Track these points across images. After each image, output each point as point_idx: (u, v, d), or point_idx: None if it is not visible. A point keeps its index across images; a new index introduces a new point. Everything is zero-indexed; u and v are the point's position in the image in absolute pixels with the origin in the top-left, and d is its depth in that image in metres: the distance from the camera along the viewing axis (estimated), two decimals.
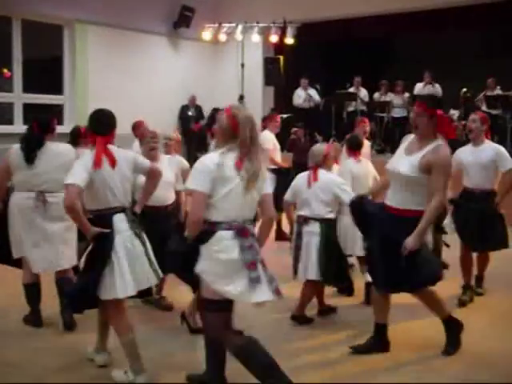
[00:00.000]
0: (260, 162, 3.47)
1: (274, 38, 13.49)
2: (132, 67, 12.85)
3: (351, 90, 13.73)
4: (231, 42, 13.80)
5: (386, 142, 13.04)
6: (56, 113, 11.90)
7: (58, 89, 12.06)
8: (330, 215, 5.17)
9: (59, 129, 5.30)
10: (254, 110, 14.49)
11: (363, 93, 13.72)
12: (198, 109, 14.08)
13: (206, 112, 14.12)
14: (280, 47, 13.90)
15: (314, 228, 5.10)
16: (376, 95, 13.65)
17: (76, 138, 6.19)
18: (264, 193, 3.56)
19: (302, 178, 5.35)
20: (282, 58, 13.88)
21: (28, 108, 11.44)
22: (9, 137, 10.47)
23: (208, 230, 3.43)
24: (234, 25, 13.53)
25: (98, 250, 3.89)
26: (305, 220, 5.16)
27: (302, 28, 13.41)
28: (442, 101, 4.93)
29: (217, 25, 13.70)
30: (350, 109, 13.72)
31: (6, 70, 11.57)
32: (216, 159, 3.39)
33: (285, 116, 13.59)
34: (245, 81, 13.64)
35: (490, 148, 5.70)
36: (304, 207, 5.22)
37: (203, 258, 3.44)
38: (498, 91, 12.06)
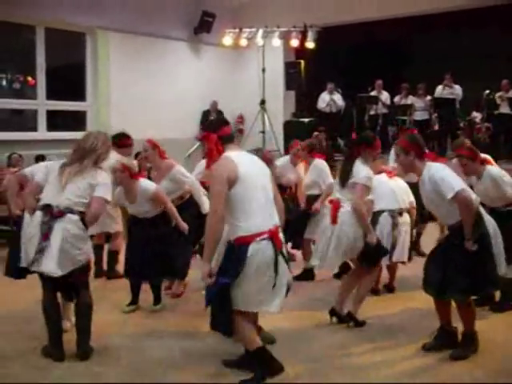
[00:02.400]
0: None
1: (294, 43, 13.50)
2: (153, 73, 12.90)
3: (373, 93, 13.69)
4: (252, 47, 13.80)
5: None
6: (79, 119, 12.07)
7: (80, 95, 12.17)
8: None
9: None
10: (275, 115, 14.41)
11: (385, 96, 13.67)
12: (220, 114, 14.03)
13: (228, 117, 14.11)
14: (301, 51, 13.90)
15: (407, 218, 6.10)
16: (396, 99, 13.59)
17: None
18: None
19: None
20: (302, 62, 13.89)
21: (51, 115, 11.59)
22: (33, 143, 10.63)
23: None
24: (254, 29, 13.55)
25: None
26: (400, 213, 6.06)
27: (322, 32, 13.40)
28: (214, 122, 4.71)
29: (237, 30, 13.72)
30: (372, 112, 13.69)
31: (29, 78, 11.71)
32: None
33: (306, 120, 13.62)
34: (266, 85, 13.63)
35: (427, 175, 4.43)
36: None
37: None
38: None
